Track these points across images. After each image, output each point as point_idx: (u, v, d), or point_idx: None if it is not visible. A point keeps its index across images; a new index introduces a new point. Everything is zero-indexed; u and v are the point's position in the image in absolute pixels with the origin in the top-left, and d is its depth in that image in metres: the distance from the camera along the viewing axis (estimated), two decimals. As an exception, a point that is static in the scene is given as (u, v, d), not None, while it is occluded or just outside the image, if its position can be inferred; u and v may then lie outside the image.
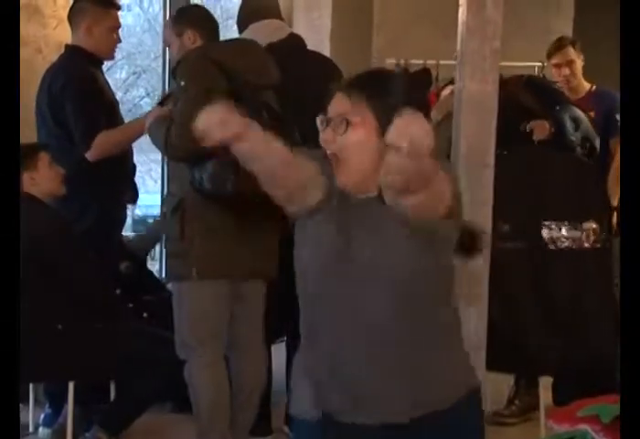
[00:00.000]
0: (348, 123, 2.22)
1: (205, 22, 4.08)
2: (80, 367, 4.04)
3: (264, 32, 4.48)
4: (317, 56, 4.83)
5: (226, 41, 4.12)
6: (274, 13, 4.68)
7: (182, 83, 3.83)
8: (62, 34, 5.25)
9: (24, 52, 5.06)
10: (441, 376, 2.30)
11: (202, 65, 3.80)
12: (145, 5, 14.66)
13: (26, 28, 5.09)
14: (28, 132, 4.88)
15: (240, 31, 4.58)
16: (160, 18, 8.82)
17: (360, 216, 2.27)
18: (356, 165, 2.23)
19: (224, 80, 3.78)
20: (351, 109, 2.24)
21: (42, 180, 4.11)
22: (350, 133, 2.23)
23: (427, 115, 2.26)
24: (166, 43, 4.31)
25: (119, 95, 5.00)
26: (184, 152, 3.77)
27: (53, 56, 5.20)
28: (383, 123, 2.17)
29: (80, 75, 4.54)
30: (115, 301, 4.30)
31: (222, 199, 3.77)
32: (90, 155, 4.45)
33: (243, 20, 4.58)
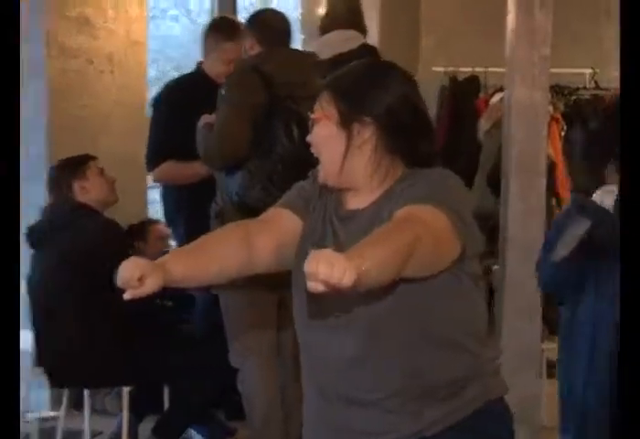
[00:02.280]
0: (313, 121, 2.26)
1: (266, 27, 3.98)
2: (135, 373, 4.06)
3: (334, 42, 4.54)
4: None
5: (279, 51, 4.05)
6: (351, 23, 4.69)
7: (223, 92, 3.84)
8: (112, 46, 5.30)
9: (75, 63, 5.11)
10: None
11: (244, 77, 3.81)
12: (194, 15, 14.74)
13: (77, 40, 5.12)
14: (85, 141, 4.94)
15: None
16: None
17: (353, 230, 2.21)
18: (327, 159, 2.24)
19: (264, 91, 3.77)
20: (320, 107, 2.26)
21: (92, 188, 4.17)
22: (315, 129, 2.25)
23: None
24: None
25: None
26: (219, 161, 3.78)
27: (104, 66, 5.24)
28: (346, 115, 2.20)
29: (174, 90, 4.48)
30: (166, 309, 4.31)
31: (248, 210, 3.74)
32: (153, 177, 4.58)
33: (321, 31, 4.70)
